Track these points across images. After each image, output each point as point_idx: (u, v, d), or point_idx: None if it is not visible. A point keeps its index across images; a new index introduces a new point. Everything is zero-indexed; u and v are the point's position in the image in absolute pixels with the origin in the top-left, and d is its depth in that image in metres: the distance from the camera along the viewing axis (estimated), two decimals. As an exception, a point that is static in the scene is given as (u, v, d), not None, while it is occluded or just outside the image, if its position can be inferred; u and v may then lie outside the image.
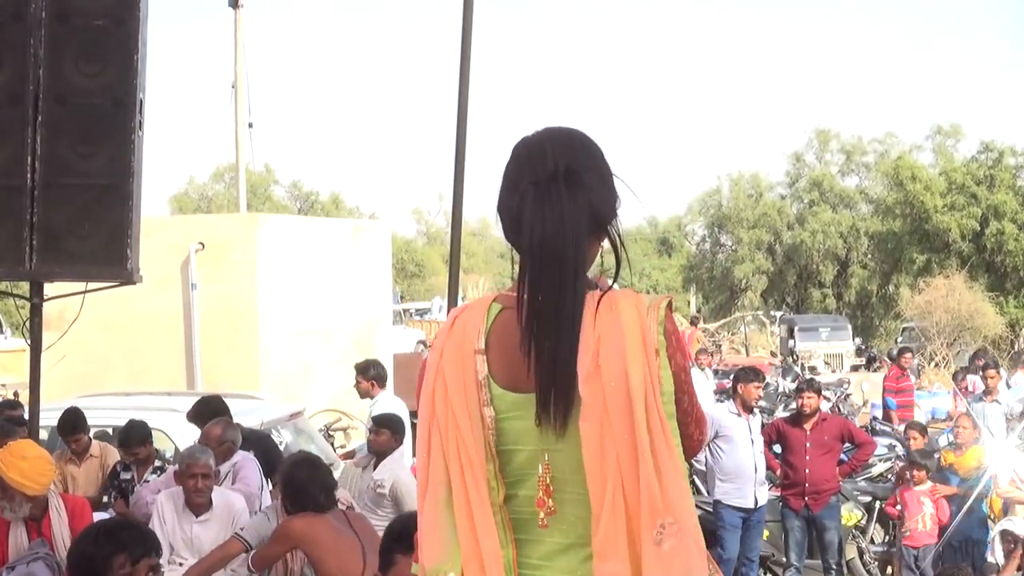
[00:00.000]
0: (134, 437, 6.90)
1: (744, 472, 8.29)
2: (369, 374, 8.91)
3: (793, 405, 10.21)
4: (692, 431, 2.22)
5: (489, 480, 2.15)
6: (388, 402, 8.88)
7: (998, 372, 11.80)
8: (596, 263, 2.32)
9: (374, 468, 6.84)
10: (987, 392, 11.13)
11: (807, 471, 8.34)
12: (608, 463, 2.05)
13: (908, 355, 15.11)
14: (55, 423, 7.47)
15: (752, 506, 8.31)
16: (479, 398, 2.15)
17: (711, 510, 8.58)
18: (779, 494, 8.80)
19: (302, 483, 5.16)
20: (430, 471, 2.21)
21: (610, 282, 2.21)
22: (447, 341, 2.22)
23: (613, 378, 2.06)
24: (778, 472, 8.81)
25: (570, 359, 2.08)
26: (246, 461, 6.60)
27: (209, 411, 7.06)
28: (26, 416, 6.93)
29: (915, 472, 8.28)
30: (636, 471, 2.04)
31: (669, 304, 2.15)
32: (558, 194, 2.12)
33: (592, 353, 2.07)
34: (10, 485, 5.09)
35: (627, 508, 2.04)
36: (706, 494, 9.52)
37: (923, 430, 8.68)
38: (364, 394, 8.96)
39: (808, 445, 8.40)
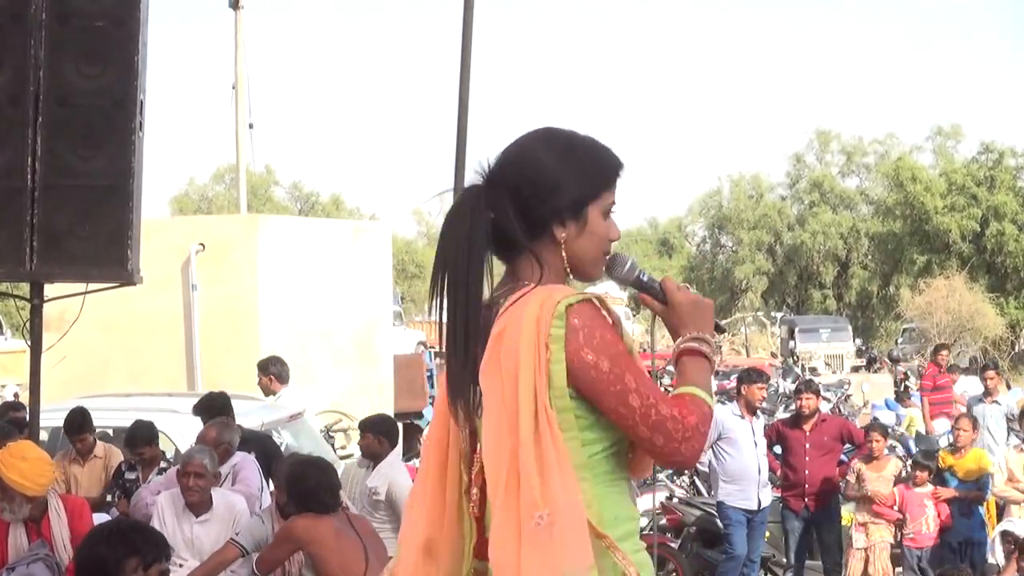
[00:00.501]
0: (140, 437, 6.91)
1: (748, 474, 8.27)
2: (269, 371, 8.97)
3: (793, 406, 10.22)
4: (644, 434, 2.13)
5: (461, 472, 2.27)
6: (291, 398, 8.91)
7: (997, 373, 11.75)
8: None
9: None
10: (987, 393, 11.11)
11: (807, 472, 8.33)
12: (501, 453, 2.10)
13: (944, 352, 14.45)
14: (55, 424, 7.48)
15: (755, 507, 8.30)
16: None
17: (714, 511, 8.57)
18: (779, 495, 8.81)
19: (307, 484, 5.17)
20: (422, 457, 2.37)
21: (690, 286, 2.33)
22: None
23: (508, 371, 2.11)
24: (778, 473, 8.81)
25: (467, 354, 2.18)
26: (246, 462, 6.60)
27: (214, 406, 7.11)
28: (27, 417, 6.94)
29: (918, 473, 8.27)
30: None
31: (598, 300, 2.17)
32: (465, 203, 2.24)
33: (492, 348, 2.15)
34: (10, 486, 5.09)
35: (516, 498, 2.09)
36: (706, 495, 9.53)
37: (884, 432, 8.61)
38: (265, 390, 9.01)
39: (807, 446, 8.39)
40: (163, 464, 6.98)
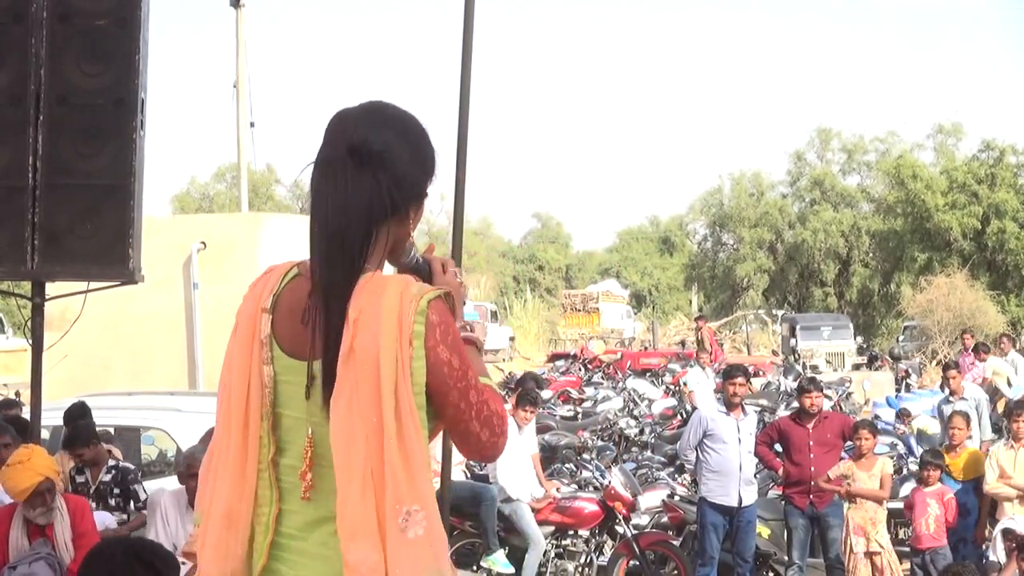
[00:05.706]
0: (79, 439, 6.93)
1: (728, 469, 8.27)
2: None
3: (795, 404, 10.18)
4: (475, 429, 2.18)
5: (262, 437, 2.21)
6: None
7: (959, 372, 11.68)
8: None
9: None
10: (952, 392, 11.08)
11: (812, 469, 8.32)
12: (355, 444, 2.08)
13: (1006, 340, 14.96)
14: (56, 423, 7.49)
15: (736, 504, 8.28)
16: (260, 355, 2.22)
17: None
18: (782, 492, 8.78)
19: None
20: (220, 422, 2.27)
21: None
22: (245, 300, 2.31)
23: (366, 360, 2.08)
24: (780, 471, 8.79)
25: (336, 337, 2.12)
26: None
27: None
28: (27, 416, 6.95)
29: (926, 472, 8.23)
30: (382, 456, 2.06)
31: (445, 296, 2.17)
32: (344, 172, 2.16)
33: (349, 333, 2.11)
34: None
35: (376, 492, 2.06)
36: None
37: (874, 429, 8.58)
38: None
39: (811, 443, 8.39)
40: (112, 462, 6.99)
